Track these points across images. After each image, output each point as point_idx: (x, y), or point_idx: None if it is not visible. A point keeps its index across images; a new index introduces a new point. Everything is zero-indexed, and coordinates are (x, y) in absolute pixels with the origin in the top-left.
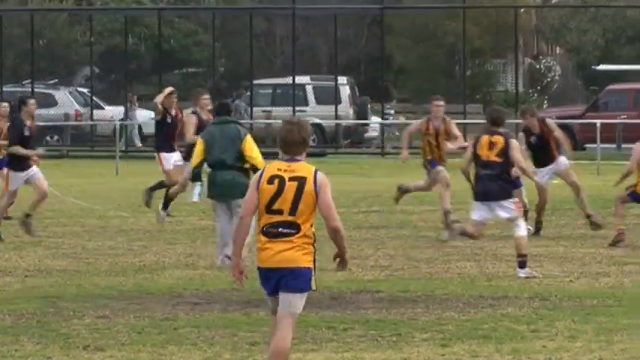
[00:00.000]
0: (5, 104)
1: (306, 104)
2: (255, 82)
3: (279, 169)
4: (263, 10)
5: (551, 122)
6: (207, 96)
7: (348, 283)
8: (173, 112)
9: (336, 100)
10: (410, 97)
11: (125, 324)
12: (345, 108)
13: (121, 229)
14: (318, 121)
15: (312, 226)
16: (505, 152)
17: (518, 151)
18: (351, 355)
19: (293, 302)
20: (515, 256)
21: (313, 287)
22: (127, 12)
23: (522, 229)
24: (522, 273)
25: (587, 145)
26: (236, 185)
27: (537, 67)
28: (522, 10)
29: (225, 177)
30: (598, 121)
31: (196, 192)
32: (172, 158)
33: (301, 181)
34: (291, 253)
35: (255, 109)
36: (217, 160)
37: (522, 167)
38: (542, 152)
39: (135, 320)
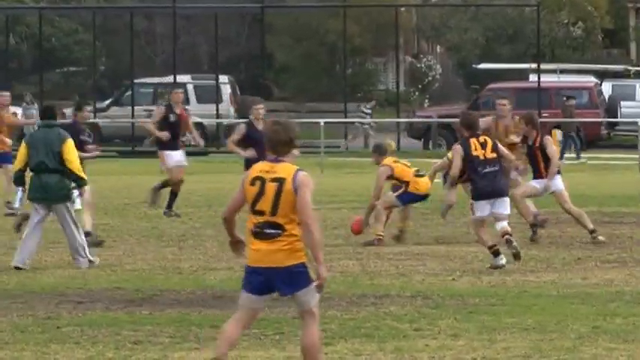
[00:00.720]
0: (6, 94)
1: (188, 103)
2: (136, 80)
3: (262, 171)
4: (144, 9)
5: (548, 139)
6: (261, 106)
7: (231, 282)
8: (177, 111)
9: (217, 98)
10: (291, 96)
11: (8, 323)
12: (227, 107)
13: (3, 228)
14: (199, 120)
15: (297, 223)
16: (496, 149)
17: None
18: (235, 353)
19: (304, 300)
20: (397, 256)
21: (311, 279)
22: (8, 11)
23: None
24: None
25: None
26: (58, 189)
27: (418, 65)
28: (403, 8)
29: (47, 180)
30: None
31: (18, 197)
32: (176, 157)
33: (281, 181)
34: (281, 254)
35: (136, 108)
36: (39, 164)
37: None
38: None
39: (18, 319)
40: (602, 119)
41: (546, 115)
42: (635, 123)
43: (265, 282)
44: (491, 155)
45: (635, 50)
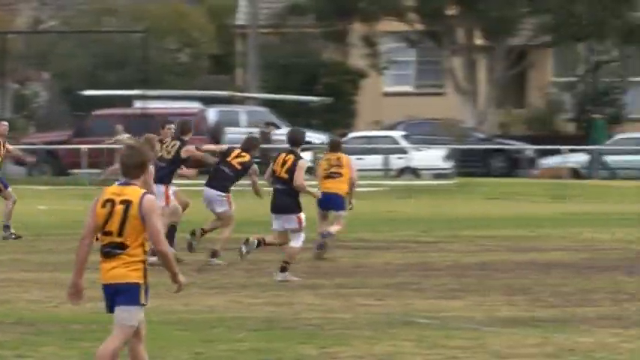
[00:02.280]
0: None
1: None
2: None
3: (113, 193)
4: None
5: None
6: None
7: None
8: None
9: None
10: None
11: None
12: None
13: None
14: None
15: (142, 245)
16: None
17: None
18: None
19: (122, 315)
20: None
21: (142, 302)
22: None
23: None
24: (281, 277)
25: (74, 171)
26: None
27: (24, 92)
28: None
29: None
30: (84, 147)
31: None
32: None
33: (128, 204)
34: (119, 270)
35: None
36: None
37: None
38: None
39: None
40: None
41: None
42: None
43: (111, 298)
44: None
45: (241, 76)
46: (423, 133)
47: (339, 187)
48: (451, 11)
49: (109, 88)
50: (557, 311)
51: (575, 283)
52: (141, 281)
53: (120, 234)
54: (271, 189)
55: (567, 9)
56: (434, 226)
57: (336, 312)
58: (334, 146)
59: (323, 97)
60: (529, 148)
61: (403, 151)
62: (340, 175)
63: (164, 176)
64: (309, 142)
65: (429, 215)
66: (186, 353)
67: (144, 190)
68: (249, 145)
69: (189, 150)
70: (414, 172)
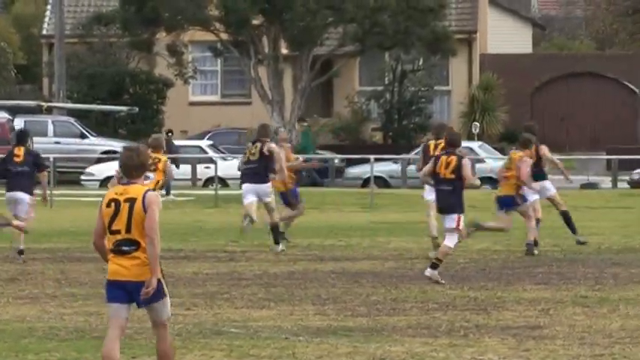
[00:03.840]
0: None
1: None
2: None
3: (117, 193)
4: None
5: None
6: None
7: None
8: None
9: None
10: None
11: None
12: None
13: None
14: None
15: None
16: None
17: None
18: None
19: (161, 310)
20: None
21: (166, 293)
22: None
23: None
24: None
25: None
26: None
27: None
28: None
29: None
30: None
31: None
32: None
33: (132, 201)
34: (138, 268)
35: None
36: None
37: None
38: None
39: None
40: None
41: None
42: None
43: (126, 293)
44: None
45: (47, 85)
46: (230, 142)
47: None
48: (257, 21)
49: None
50: (368, 320)
51: (385, 292)
52: (159, 275)
53: (128, 230)
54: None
55: (372, 18)
56: (242, 236)
57: (145, 321)
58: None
59: (129, 107)
60: (336, 157)
61: (211, 160)
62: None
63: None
64: (115, 152)
65: (237, 225)
66: None
67: (147, 187)
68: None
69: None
70: (222, 181)
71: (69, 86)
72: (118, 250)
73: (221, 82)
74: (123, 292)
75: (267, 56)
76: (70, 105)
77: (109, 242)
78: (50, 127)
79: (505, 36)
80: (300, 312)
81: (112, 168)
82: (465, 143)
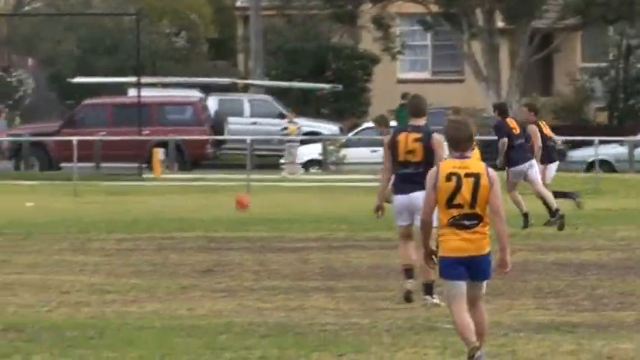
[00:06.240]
0: None
1: None
2: None
3: (454, 167)
4: None
5: None
6: None
7: None
8: None
9: None
10: None
11: None
12: None
13: None
14: None
15: (486, 216)
16: None
17: None
18: None
19: (482, 286)
20: None
21: (492, 272)
22: None
23: None
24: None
25: (64, 164)
26: None
27: (8, 79)
28: None
29: None
30: (74, 138)
31: None
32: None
33: (476, 176)
34: (480, 243)
35: None
36: None
37: None
38: None
39: None
40: (208, 137)
41: (147, 132)
42: (244, 141)
43: (466, 269)
44: None
45: (243, 62)
46: (442, 123)
47: None
48: None
49: (99, 75)
50: (593, 315)
51: (611, 285)
52: (491, 250)
53: (472, 206)
54: None
55: None
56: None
57: (352, 317)
58: None
59: (333, 84)
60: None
61: None
62: None
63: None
64: (317, 133)
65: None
66: None
67: (484, 164)
68: None
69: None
70: None
71: (266, 62)
72: (460, 225)
73: (431, 58)
74: (464, 267)
75: (481, 30)
76: (267, 82)
77: (444, 217)
78: (247, 107)
79: None
80: (520, 306)
81: (314, 151)
82: None
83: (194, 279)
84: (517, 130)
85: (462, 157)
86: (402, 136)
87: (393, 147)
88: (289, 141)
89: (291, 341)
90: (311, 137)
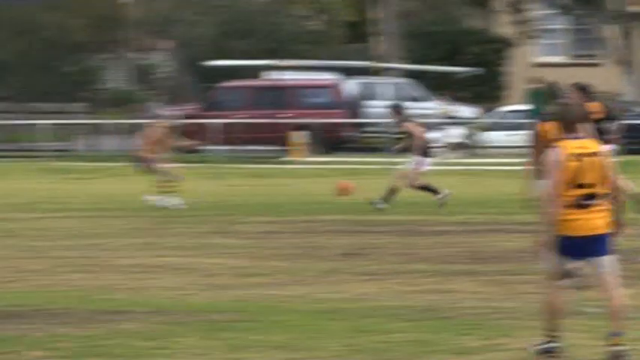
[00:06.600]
0: None
1: None
2: None
3: (577, 147)
4: None
5: None
6: None
7: None
8: None
9: None
10: (11, 95)
11: None
12: None
13: None
14: None
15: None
16: None
17: None
18: None
19: (612, 264)
20: None
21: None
22: None
23: None
24: None
25: (207, 147)
26: None
27: (147, 62)
28: (126, 1)
29: None
30: (218, 121)
31: None
32: None
33: (596, 155)
34: (603, 221)
35: None
36: None
37: None
38: None
39: None
40: (347, 120)
41: (290, 115)
42: (381, 124)
43: (586, 249)
44: None
45: (377, 45)
46: None
47: None
48: None
49: (235, 57)
50: None
51: None
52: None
53: (596, 185)
54: None
55: None
56: None
57: (496, 300)
58: None
59: (471, 68)
60: None
61: None
62: None
63: None
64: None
65: None
66: (336, 344)
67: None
68: None
69: None
70: None
71: (403, 45)
72: (586, 204)
73: (568, 42)
74: (584, 246)
75: (613, 13)
76: (405, 66)
77: (569, 195)
78: (385, 90)
79: None
80: None
81: (455, 135)
82: None
83: (338, 262)
84: None
85: (577, 137)
86: None
87: None
88: (440, 124)
89: (437, 325)
90: (450, 121)
